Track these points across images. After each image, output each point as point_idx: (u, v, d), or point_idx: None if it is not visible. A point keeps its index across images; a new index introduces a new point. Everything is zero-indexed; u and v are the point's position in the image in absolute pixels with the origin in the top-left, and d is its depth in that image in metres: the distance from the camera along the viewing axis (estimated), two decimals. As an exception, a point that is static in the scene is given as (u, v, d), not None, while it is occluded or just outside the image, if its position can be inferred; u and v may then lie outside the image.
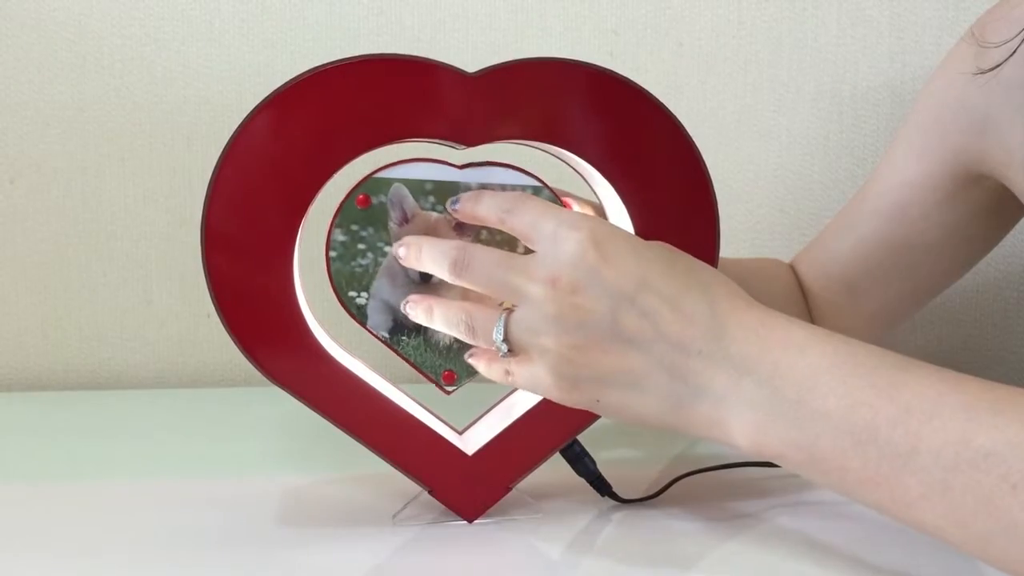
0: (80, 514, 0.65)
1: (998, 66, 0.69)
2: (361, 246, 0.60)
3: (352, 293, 0.60)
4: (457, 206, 0.58)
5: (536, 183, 0.61)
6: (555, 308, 0.53)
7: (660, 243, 0.56)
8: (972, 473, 0.46)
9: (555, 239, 0.53)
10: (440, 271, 0.57)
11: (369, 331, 0.61)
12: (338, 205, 0.59)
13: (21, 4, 0.96)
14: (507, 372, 0.57)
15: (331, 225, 0.59)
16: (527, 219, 0.55)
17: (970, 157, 0.74)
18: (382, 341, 0.61)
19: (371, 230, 0.59)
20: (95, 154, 0.98)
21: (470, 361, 0.59)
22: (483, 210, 0.57)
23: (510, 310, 0.55)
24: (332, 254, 0.60)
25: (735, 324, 0.52)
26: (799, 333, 0.52)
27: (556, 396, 0.55)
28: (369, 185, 0.59)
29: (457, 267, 0.56)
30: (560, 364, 0.53)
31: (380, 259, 0.60)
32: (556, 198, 0.61)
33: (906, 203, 0.78)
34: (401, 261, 0.58)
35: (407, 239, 0.58)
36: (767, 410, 0.51)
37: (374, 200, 0.59)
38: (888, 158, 0.81)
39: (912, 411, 0.48)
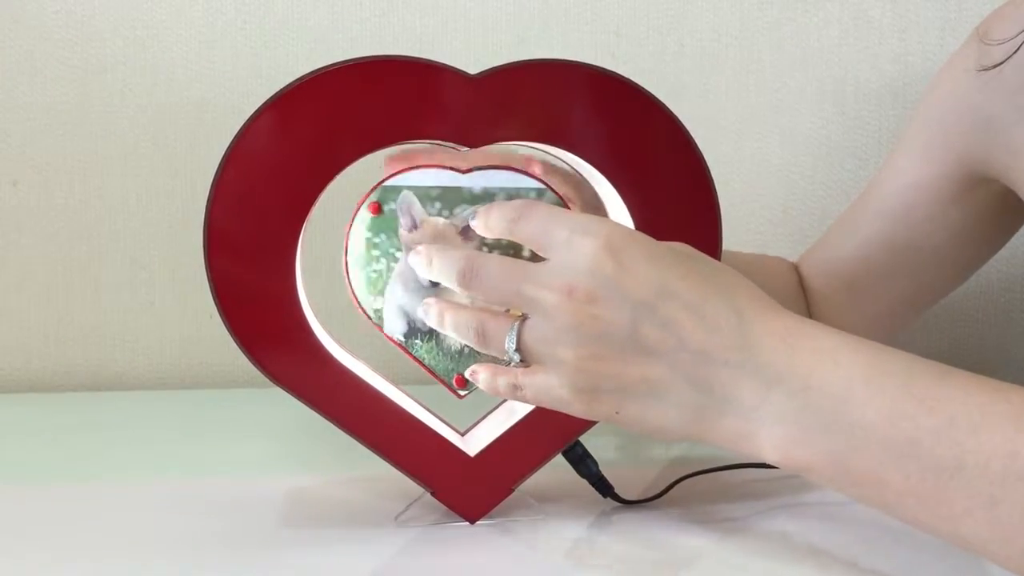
0: (82, 516, 0.65)
1: (999, 64, 0.69)
2: (375, 252, 0.61)
3: (369, 298, 0.61)
4: (475, 222, 0.57)
5: (540, 185, 0.61)
6: (571, 318, 0.51)
7: (678, 245, 0.54)
8: (1020, 486, 0.44)
9: (568, 246, 0.52)
10: (449, 281, 0.56)
11: (385, 335, 0.62)
12: (353, 213, 0.60)
13: (23, 6, 0.96)
14: (515, 386, 0.55)
15: (348, 232, 0.60)
16: (536, 226, 0.53)
17: (974, 159, 0.74)
18: (397, 344, 0.62)
19: (383, 236, 0.61)
20: (97, 156, 0.98)
21: (470, 378, 0.58)
22: (493, 222, 0.56)
23: (523, 319, 0.53)
24: (349, 260, 0.61)
25: (762, 332, 0.50)
26: (830, 340, 0.50)
27: (572, 409, 0.53)
28: (379, 193, 0.60)
29: (465, 278, 0.54)
30: (577, 376, 0.52)
31: (393, 264, 0.61)
32: (561, 200, 0.61)
33: (910, 205, 0.78)
34: (416, 271, 0.58)
35: (419, 248, 0.58)
36: (799, 422, 0.49)
37: (385, 208, 0.60)
38: (892, 159, 0.80)
39: (956, 423, 0.46)
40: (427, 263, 0.57)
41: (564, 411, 0.54)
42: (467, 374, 0.58)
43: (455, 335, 0.57)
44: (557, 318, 0.51)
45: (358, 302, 0.61)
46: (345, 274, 0.61)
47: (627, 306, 0.50)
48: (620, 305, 0.50)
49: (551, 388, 0.53)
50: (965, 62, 0.74)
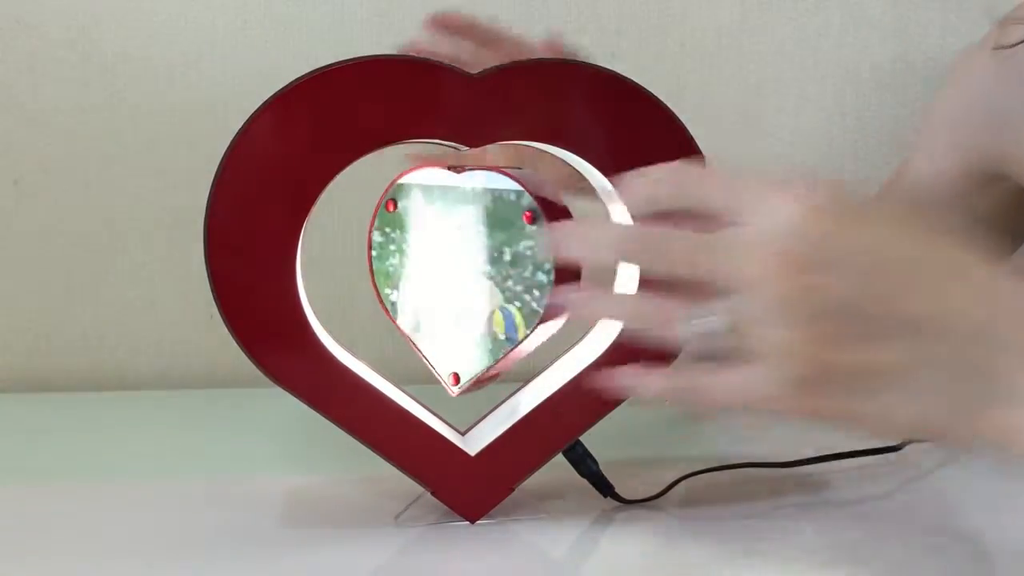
0: (83, 516, 0.65)
1: (1015, 44, 0.69)
2: (392, 247, 0.63)
3: (387, 291, 0.63)
4: (621, 192, 0.47)
5: (518, 187, 0.61)
6: (786, 290, 0.41)
7: (883, 203, 0.47)
8: None
9: (765, 204, 0.42)
10: (617, 255, 0.47)
11: (398, 328, 0.64)
12: (374, 210, 0.63)
13: (23, 6, 0.96)
14: (689, 388, 0.44)
15: (370, 228, 0.63)
16: (716, 185, 0.43)
17: (986, 155, 0.74)
18: (405, 337, 0.64)
19: (398, 232, 0.63)
20: (98, 155, 0.98)
21: (620, 381, 0.46)
22: (649, 188, 0.45)
23: (716, 299, 0.43)
24: (372, 254, 0.63)
25: None
26: None
27: (785, 406, 0.43)
28: (394, 191, 0.63)
29: (644, 250, 0.44)
30: (797, 364, 0.41)
31: (405, 260, 0.63)
32: (537, 206, 0.61)
33: (922, 202, 0.77)
34: (558, 253, 0.48)
35: (560, 224, 0.47)
36: None
37: (399, 204, 0.62)
38: (907, 157, 0.80)
39: None
40: (580, 238, 0.46)
41: (771, 408, 0.43)
42: (607, 378, 0.47)
43: (626, 322, 0.47)
44: (767, 292, 0.41)
45: (379, 296, 0.63)
46: (369, 270, 0.63)
47: (856, 273, 0.41)
48: (848, 272, 0.41)
49: (755, 383, 0.42)
50: (980, 55, 0.73)
